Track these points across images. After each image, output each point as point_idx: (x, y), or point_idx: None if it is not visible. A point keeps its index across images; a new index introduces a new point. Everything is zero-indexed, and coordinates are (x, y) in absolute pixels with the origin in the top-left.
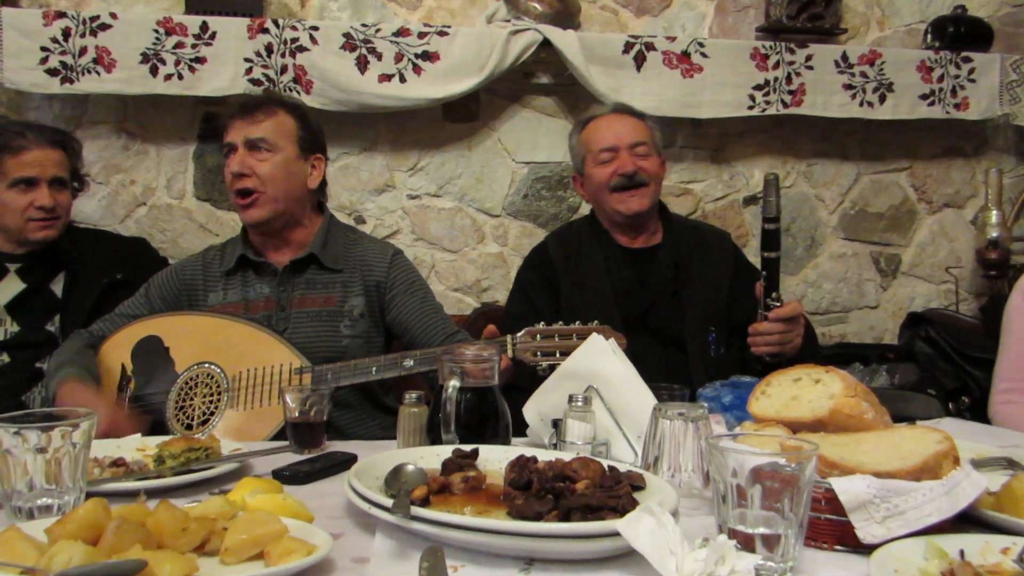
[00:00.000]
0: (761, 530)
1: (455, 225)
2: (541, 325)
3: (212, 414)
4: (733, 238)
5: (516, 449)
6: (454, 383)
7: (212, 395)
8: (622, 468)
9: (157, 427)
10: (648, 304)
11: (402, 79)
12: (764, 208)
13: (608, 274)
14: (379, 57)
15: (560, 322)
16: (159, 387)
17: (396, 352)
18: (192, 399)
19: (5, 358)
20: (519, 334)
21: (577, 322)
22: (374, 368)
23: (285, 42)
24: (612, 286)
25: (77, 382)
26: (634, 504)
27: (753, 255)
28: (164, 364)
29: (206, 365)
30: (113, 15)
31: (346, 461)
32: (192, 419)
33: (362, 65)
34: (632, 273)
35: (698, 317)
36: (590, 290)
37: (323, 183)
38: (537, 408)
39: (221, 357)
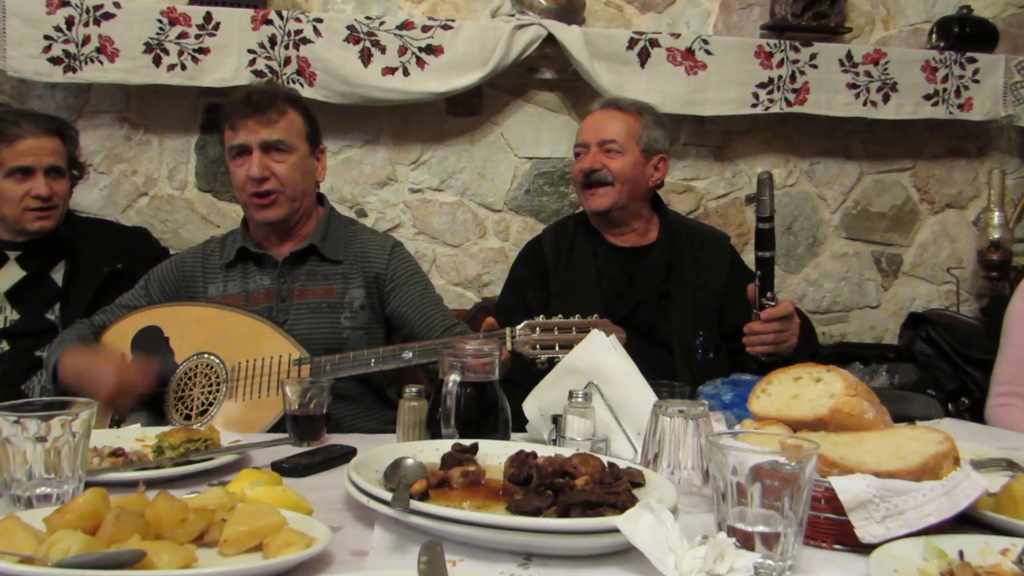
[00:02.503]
0: (760, 528)
1: (457, 219)
2: (540, 318)
3: (211, 404)
4: (734, 236)
5: (516, 444)
6: (454, 377)
7: (211, 386)
8: (622, 465)
9: (157, 416)
10: (635, 304)
11: (405, 72)
12: (758, 207)
13: (597, 272)
14: (383, 50)
15: (559, 315)
16: (159, 377)
17: (396, 344)
18: (191, 389)
19: (4, 346)
20: (519, 327)
21: (577, 316)
22: (373, 360)
23: (289, 34)
24: (600, 284)
25: (75, 350)
26: (633, 501)
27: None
28: (164, 354)
29: (205, 356)
30: (116, 4)
31: (346, 454)
32: (191, 409)
33: (365, 58)
34: (621, 272)
35: (686, 319)
36: (578, 287)
37: None
38: (537, 403)
39: (221, 348)
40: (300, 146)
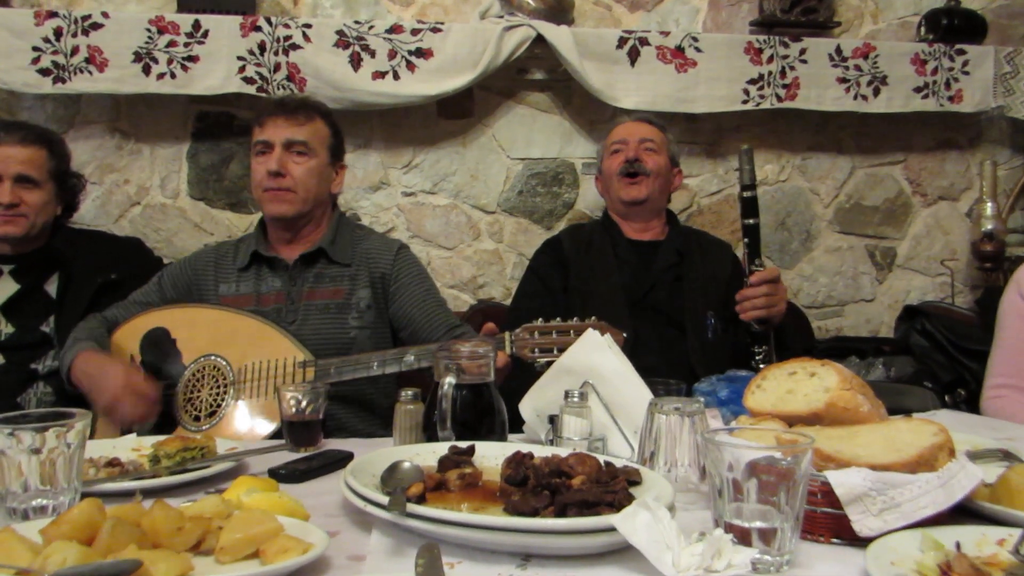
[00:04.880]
0: (757, 524)
1: (450, 222)
2: (539, 321)
3: (219, 406)
4: (727, 233)
5: (512, 445)
6: (450, 380)
7: (219, 387)
8: (618, 463)
9: (165, 418)
10: (651, 285)
11: (396, 76)
12: (740, 177)
13: (616, 258)
14: (372, 54)
15: (558, 319)
16: (166, 378)
17: (398, 348)
18: (199, 391)
19: (0, 359)
20: (517, 331)
21: (575, 319)
22: (376, 363)
23: (278, 40)
24: (619, 269)
25: (91, 352)
26: (630, 499)
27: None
28: (172, 356)
29: (212, 357)
30: (105, 14)
31: (342, 459)
32: (200, 411)
33: (355, 62)
34: (637, 259)
35: (697, 300)
36: (598, 270)
37: None
38: (533, 404)
39: (227, 350)
40: (321, 153)
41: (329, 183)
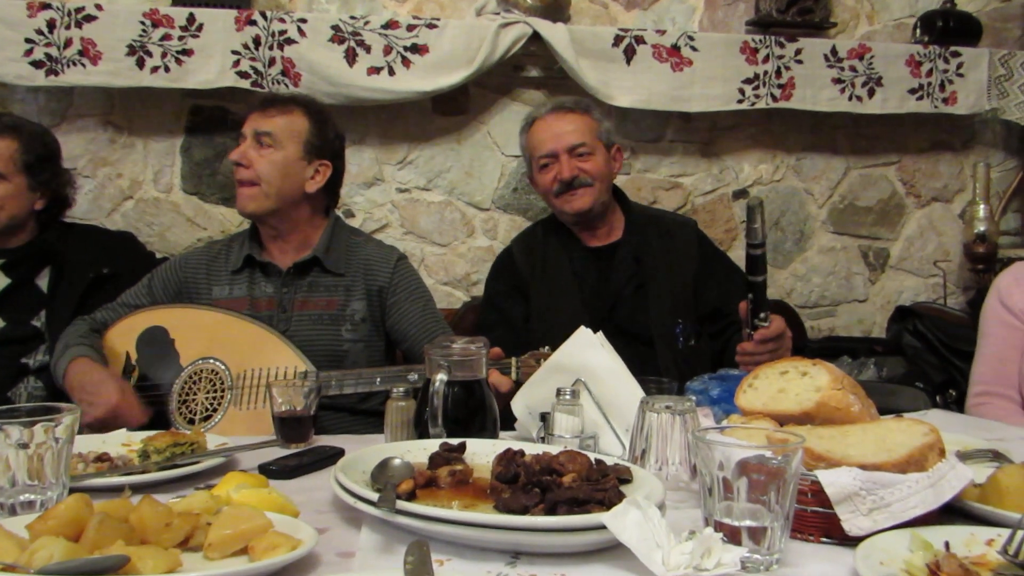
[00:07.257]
0: (747, 523)
1: (444, 219)
2: (546, 349)
3: (215, 411)
4: (721, 232)
5: (504, 443)
6: (441, 377)
7: (215, 391)
8: (609, 461)
9: (159, 418)
10: (613, 302)
11: (391, 72)
12: (748, 234)
13: (575, 276)
14: (368, 50)
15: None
16: (163, 378)
17: (397, 358)
18: (195, 394)
19: None
20: (523, 357)
21: None
22: (378, 379)
23: (273, 34)
24: (579, 287)
25: (87, 361)
26: (621, 497)
27: (741, 250)
28: (169, 356)
29: (211, 361)
30: (98, 6)
31: (333, 455)
32: (195, 414)
33: (351, 58)
34: (596, 272)
35: (663, 310)
36: (558, 293)
37: (332, 189)
38: (525, 401)
39: (226, 354)
40: (290, 146)
41: (301, 180)
